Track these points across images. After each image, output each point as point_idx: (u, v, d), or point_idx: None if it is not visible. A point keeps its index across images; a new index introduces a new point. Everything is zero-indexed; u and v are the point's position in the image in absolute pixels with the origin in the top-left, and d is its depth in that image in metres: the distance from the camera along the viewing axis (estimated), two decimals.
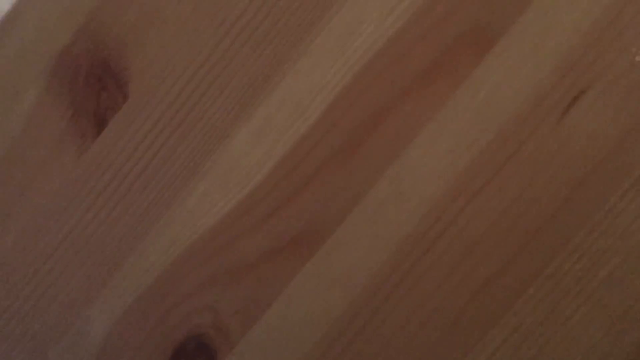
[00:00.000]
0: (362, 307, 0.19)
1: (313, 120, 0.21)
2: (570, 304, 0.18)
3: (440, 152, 0.19)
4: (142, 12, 0.25)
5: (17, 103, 0.27)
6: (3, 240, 0.26)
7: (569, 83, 0.18)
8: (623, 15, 0.18)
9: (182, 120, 0.24)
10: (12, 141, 0.27)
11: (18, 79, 0.27)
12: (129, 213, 0.24)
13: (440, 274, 0.19)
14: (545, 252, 0.18)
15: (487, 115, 0.19)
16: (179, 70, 0.24)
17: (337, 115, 0.21)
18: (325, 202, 0.21)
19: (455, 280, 0.19)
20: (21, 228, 0.26)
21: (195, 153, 0.23)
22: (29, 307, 0.24)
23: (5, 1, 0.28)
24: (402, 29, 0.20)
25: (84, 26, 0.27)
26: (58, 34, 0.27)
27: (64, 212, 0.25)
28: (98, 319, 0.23)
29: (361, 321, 0.19)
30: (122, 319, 0.22)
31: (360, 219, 0.20)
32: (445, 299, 0.19)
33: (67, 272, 0.24)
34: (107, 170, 0.24)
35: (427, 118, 0.20)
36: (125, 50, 0.25)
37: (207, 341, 0.21)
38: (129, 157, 0.24)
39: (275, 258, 0.21)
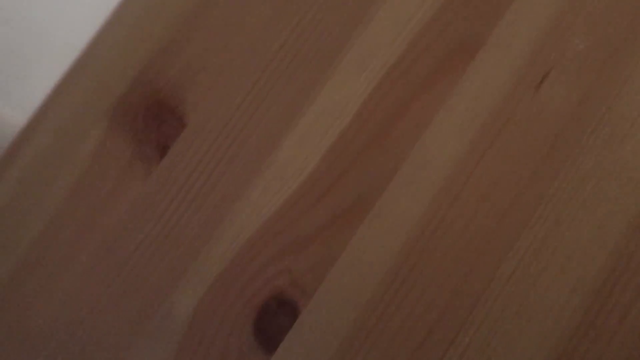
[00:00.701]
0: (411, 249, 0.25)
1: (349, 119, 0.27)
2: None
3: (450, 130, 0.26)
4: (189, 61, 0.32)
5: (82, 144, 0.32)
6: (78, 259, 0.30)
7: (537, 67, 0.26)
8: (567, 15, 0.26)
9: (237, 136, 0.29)
10: (79, 175, 0.31)
11: (81, 124, 0.33)
12: (199, 213, 0.28)
13: (464, 221, 0.25)
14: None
15: (481, 99, 0.26)
16: (230, 98, 0.30)
17: (367, 112, 0.27)
18: (367, 178, 0.26)
19: (480, 215, 0.25)
20: (96, 246, 0.30)
21: (251, 160, 0.29)
22: (111, 305, 0.28)
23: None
24: (410, 46, 0.27)
25: (138, 77, 0.32)
26: (116, 85, 0.33)
27: (137, 225, 0.29)
28: (181, 303, 0.27)
29: (413, 259, 0.25)
30: (204, 299, 0.27)
31: (399, 185, 0.26)
32: (475, 234, 0.25)
33: (147, 269, 0.28)
34: (174, 184, 0.29)
35: (438, 108, 0.27)
36: (178, 90, 0.31)
37: (286, 298, 0.25)
38: (193, 170, 0.29)
39: (334, 226, 0.26)
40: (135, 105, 0.32)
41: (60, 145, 0.33)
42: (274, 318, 0.25)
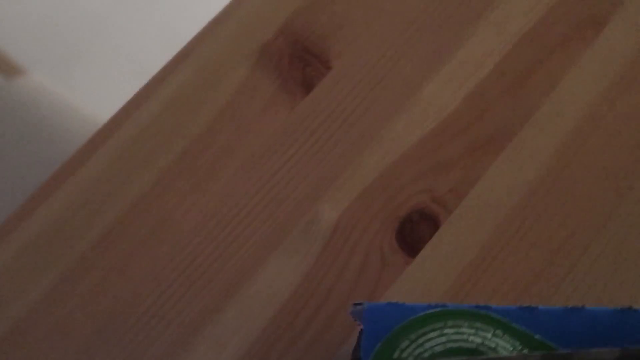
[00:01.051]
0: (546, 176, 0.28)
1: (488, 70, 0.32)
2: None
3: (581, 85, 0.30)
4: (335, 15, 0.36)
5: (227, 79, 0.36)
6: (224, 175, 0.33)
7: None
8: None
9: (381, 80, 0.33)
10: (224, 104, 0.35)
11: (225, 64, 0.36)
12: (346, 137, 0.32)
13: (592, 157, 0.29)
14: None
15: (609, 62, 0.30)
16: (375, 49, 0.34)
17: (505, 66, 0.31)
18: (504, 119, 0.30)
19: (609, 149, 0.28)
20: (239, 164, 0.33)
21: (395, 99, 0.32)
22: (265, 202, 0.31)
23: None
24: (546, 14, 0.32)
25: (282, 27, 0.37)
26: (261, 32, 0.37)
27: (282, 146, 0.33)
28: (327, 210, 0.30)
29: (548, 183, 0.28)
30: (350, 207, 0.30)
31: (533, 127, 0.30)
32: (604, 165, 0.28)
33: (295, 180, 0.31)
34: (319, 115, 0.33)
35: (570, 66, 0.31)
36: (324, 40, 0.35)
37: (428, 211, 0.29)
38: (338, 105, 0.33)
39: (473, 155, 0.30)
40: (281, 50, 0.36)
41: (205, 80, 0.36)
42: (416, 227, 0.28)
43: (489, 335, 0.17)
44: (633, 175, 0.27)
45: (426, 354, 0.17)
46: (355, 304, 0.18)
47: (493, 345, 0.17)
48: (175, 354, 0.28)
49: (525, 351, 0.17)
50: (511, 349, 0.17)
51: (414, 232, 0.28)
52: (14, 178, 0.80)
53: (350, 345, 0.27)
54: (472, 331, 0.17)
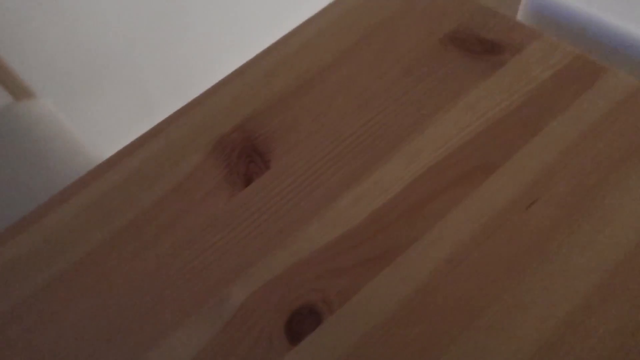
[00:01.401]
0: (415, 296, 0.34)
1: (393, 195, 0.37)
2: None
3: (460, 222, 0.36)
4: (283, 121, 0.42)
5: (185, 162, 0.42)
6: (162, 246, 0.39)
7: (529, 194, 0.36)
8: (557, 165, 0.36)
9: (305, 188, 0.39)
10: (177, 185, 0.41)
11: (187, 148, 0.43)
12: (265, 234, 0.38)
13: (459, 286, 0.34)
14: None
15: (486, 206, 0.36)
16: (307, 159, 0.40)
17: (406, 193, 0.37)
18: (400, 236, 0.36)
19: (470, 283, 0.34)
20: (176, 240, 0.39)
21: (314, 205, 0.38)
22: (189, 276, 0.37)
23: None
24: (448, 156, 0.38)
25: (240, 124, 0.43)
26: (221, 125, 0.43)
27: (213, 230, 0.39)
28: (236, 292, 0.36)
29: (420, 296, 0.33)
30: (254, 294, 0.35)
31: (416, 249, 0.35)
32: (458, 298, 0.34)
33: (218, 262, 0.37)
34: (250, 208, 0.39)
35: (456, 203, 0.36)
36: (269, 142, 0.42)
37: (316, 309, 0.34)
38: (267, 202, 0.39)
39: (365, 265, 0.35)
40: (234, 143, 0.42)
41: (166, 159, 0.43)
42: (303, 320, 0.34)
43: None
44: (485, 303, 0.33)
45: None
46: None
47: None
48: None
49: None
50: None
51: (300, 324, 0.34)
52: (9, 190, 0.86)
53: None
54: None
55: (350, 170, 0.39)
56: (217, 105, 0.45)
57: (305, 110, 0.43)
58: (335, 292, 0.35)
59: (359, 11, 0.49)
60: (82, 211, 0.41)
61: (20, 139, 0.95)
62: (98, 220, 0.40)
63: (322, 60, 0.46)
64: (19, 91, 1.06)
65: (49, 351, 0.35)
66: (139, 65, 1.36)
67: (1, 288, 0.38)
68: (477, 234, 0.35)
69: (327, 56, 0.46)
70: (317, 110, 0.42)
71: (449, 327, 0.32)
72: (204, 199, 0.40)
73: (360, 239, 0.36)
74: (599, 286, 0.32)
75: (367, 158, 0.39)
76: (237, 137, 0.43)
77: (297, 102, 0.43)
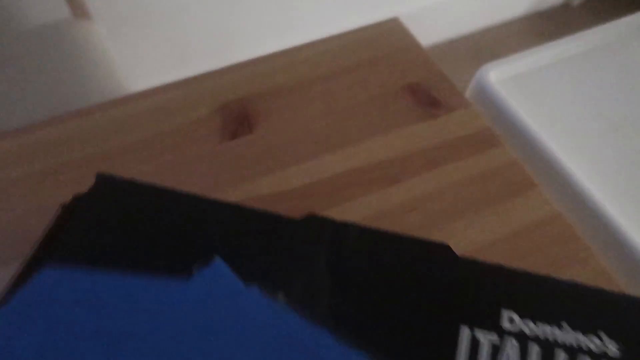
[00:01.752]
0: None
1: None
2: None
3: None
4: (270, 106, 0.59)
5: (194, 112, 0.59)
6: (163, 158, 0.56)
7: None
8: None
9: (279, 149, 0.56)
10: (183, 124, 0.58)
11: (198, 102, 0.60)
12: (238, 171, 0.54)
13: None
14: None
15: None
16: (282, 132, 0.57)
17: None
18: None
19: None
20: (175, 156, 0.56)
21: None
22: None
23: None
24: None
25: (241, 99, 0.60)
26: (228, 94, 0.60)
27: (202, 160, 0.55)
28: None
29: None
30: None
31: None
32: None
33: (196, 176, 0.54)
34: (233, 152, 0.56)
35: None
36: (257, 116, 0.59)
37: None
38: (248, 150, 0.56)
39: None
40: (233, 109, 0.59)
41: (182, 105, 0.60)
42: None
43: None
44: None
45: None
46: None
47: None
48: None
49: None
50: None
51: None
52: (41, 96, 1.03)
53: None
54: None
55: (307, 153, 0.56)
56: (230, 80, 0.61)
57: (289, 104, 0.59)
58: None
59: (350, 47, 0.65)
60: (103, 122, 0.58)
61: (67, 53, 1.12)
62: (115, 132, 0.57)
63: (314, 74, 0.63)
64: (78, 10, 1.22)
65: None
66: (188, 13, 1.52)
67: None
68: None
69: (322, 71, 0.63)
70: (296, 105, 0.59)
71: None
72: (199, 139, 0.57)
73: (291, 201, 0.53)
74: None
75: (320, 148, 0.56)
76: (236, 107, 0.59)
77: (285, 96, 0.60)
